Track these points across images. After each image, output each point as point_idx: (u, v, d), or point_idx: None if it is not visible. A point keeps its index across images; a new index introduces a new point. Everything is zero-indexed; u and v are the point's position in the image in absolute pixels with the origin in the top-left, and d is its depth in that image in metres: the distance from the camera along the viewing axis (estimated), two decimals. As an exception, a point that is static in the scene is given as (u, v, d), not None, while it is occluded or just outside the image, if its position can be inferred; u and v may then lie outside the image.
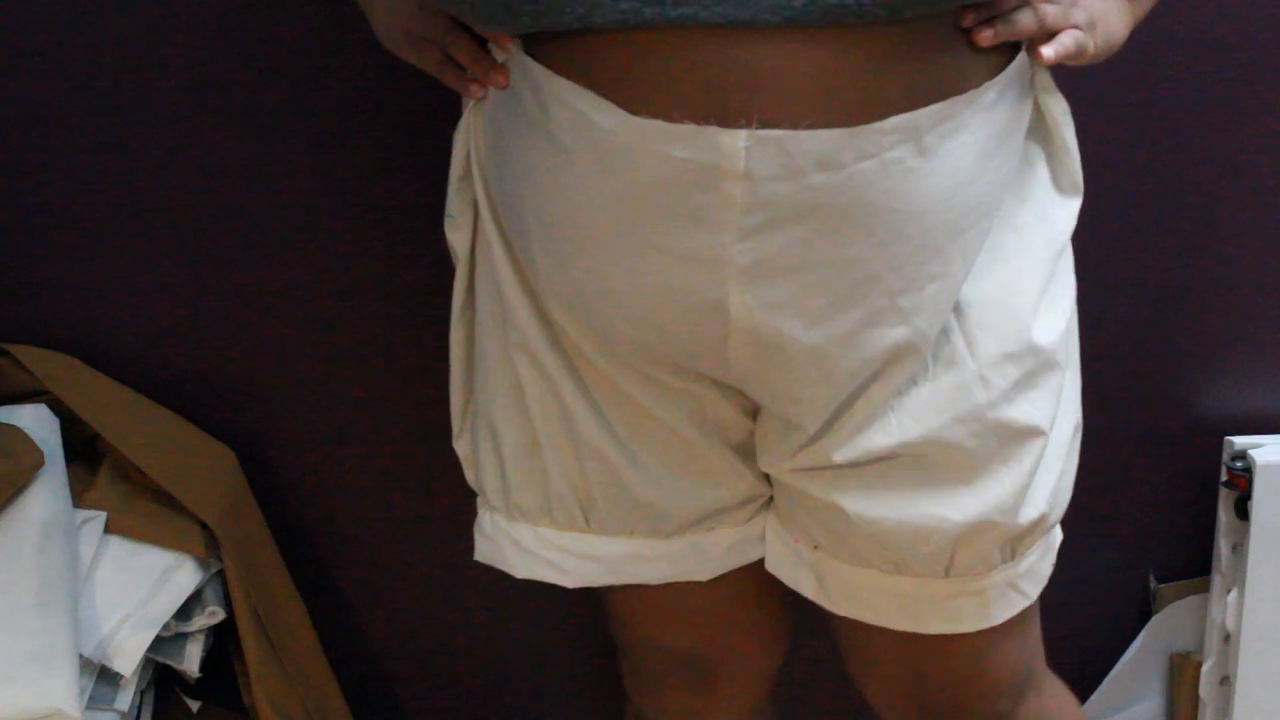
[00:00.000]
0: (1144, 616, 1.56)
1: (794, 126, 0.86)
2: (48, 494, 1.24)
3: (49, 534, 1.21)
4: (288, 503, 1.46)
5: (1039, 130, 1.01)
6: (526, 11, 0.88)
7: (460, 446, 1.13)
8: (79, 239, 1.36)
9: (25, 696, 1.11)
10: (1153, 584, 1.56)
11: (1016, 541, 1.02)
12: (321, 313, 1.40)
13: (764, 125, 0.86)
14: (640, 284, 0.93)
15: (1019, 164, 0.98)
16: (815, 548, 1.05)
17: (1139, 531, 1.53)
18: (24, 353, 1.34)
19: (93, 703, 1.20)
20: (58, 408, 1.32)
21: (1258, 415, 1.49)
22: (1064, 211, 1.02)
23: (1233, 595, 1.48)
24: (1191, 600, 1.55)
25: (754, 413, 1.04)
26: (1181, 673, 1.56)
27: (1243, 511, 1.46)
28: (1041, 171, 1.01)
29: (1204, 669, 1.53)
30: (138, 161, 1.34)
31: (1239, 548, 1.48)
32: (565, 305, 0.98)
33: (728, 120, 0.86)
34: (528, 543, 1.09)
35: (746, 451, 1.06)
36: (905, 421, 0.97)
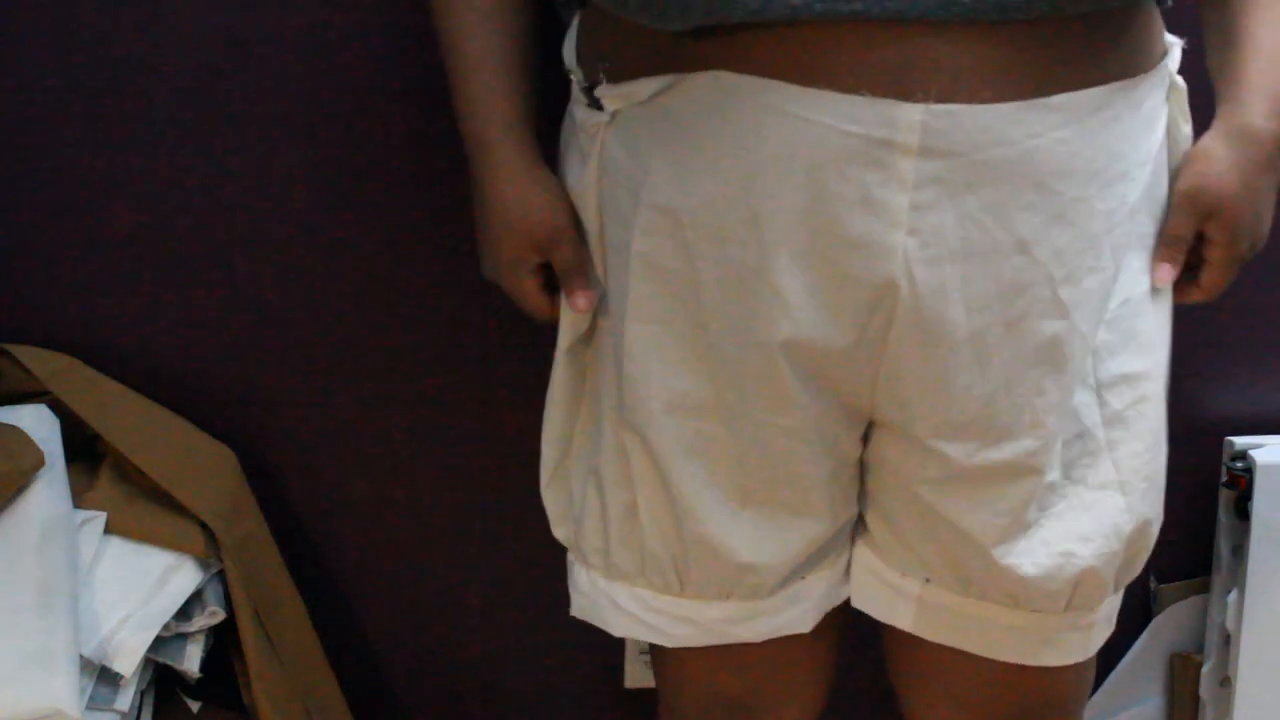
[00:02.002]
0: (1144, 617, 1.56)
1: (969, 102, 0.86)
2: (48, 494, 1.24)
3: (49, 534, 1.21)
4: (288, 503, 1.46)
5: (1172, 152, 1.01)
6: (700, 6, 0.88)
7: (550, 498, 1.12)
8: (79, 239, 1.36)
9: (25, 696, 1.11)
10: (1153, 584, 1.56)
11: (1123, 572, 1.04)
12: (321, 313, 1.40)
13: (940, 100, 0.86)
14: (809, 273, 0.92)
15: (1153, 176, 0.98)
16: (927, 581, 1.04)
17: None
18: (24, 353, 1.34)
19: (93, 703, 1.20)
20: (58, 408, 1.32)
21: (1258, 415, 1.49)
22: None
23: (1233, 596, 1.48)
24: (1191, 601, 1.55)
25: (864, 435, 1.03)
26: (1182, 674, 1.56)
27: (1243, 511, 1.46)
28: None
29: (1204, 670, 1.53)
30: (138, 162, 1.34)
31: (1239, 548, 1.48)
32: (724, 316, 0.96)
33: (904, 94, 0.86)
34: (625, 603, 1.08)
35: (846, 482, 1.04)
36: (1044, 429, 0.97)
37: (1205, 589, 1.53)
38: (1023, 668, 1.05)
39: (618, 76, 0.97)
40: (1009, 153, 0.88)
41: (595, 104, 1.00)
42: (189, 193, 1.35)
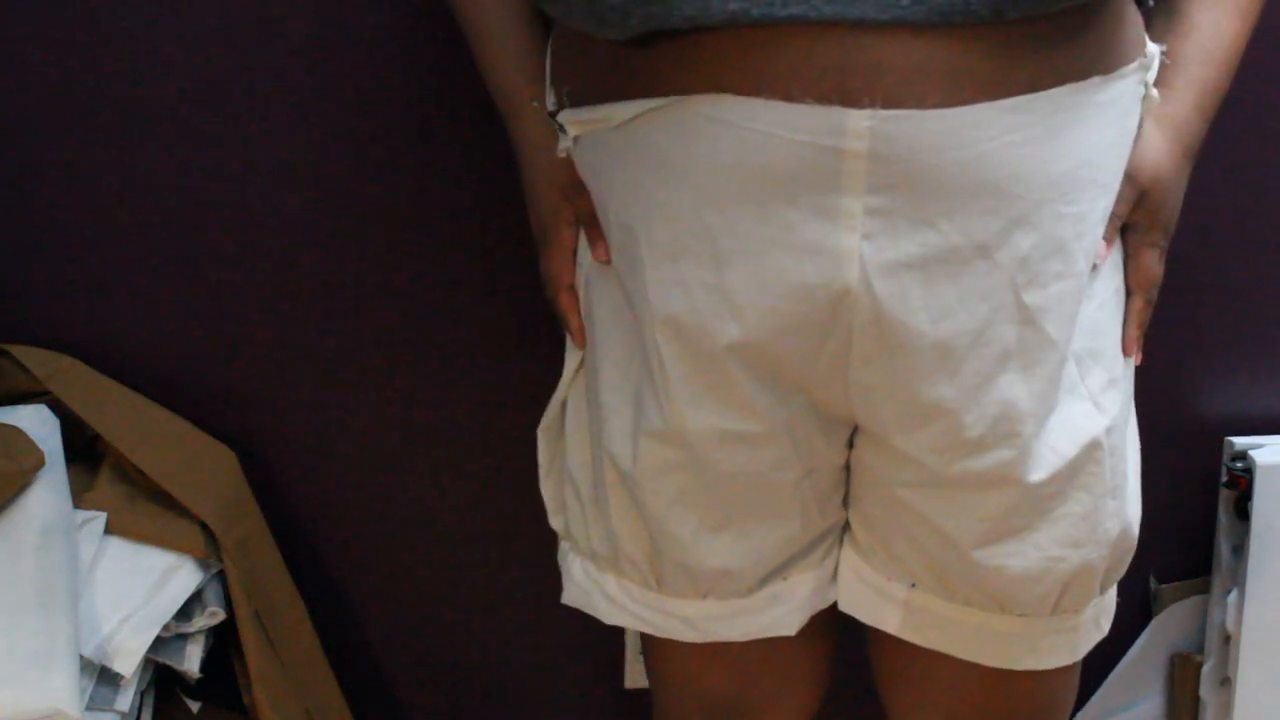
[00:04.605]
0: (1144, 617, 1.56)
1: (918, 106, 0.85)
2: (48, 494, 1.24)
3: (49, 534, 1.21)
4: (288, 503, 1.46)
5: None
6: (637, 13, 0.87)
7: (548, 490, 1.13)
8: (79, 239, 1.36)
9: (25, 696, 1.11)
10: (1153, 585, 1.56)
11: (1109, 574, 1.03)
12: (321, 313, 1.40)
13: (887, 105, 0.85)
14: (762, 286, 0.91)
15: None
16: (912, 586, 1.04)
17: (1139, 532, 1.53)
18: (24, 353, 1.34)
19: (93, 703, 1.20)
20: (58, 408, 1.32)
21: (1258, 415, 1.49)
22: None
23: (1233, 596, 1.48)
24: (1192, 601, 1.55)
25: (849, 441, 1.03)
26: (1182, 674, 1.56)
27: (1243, 512, 1.46)
28: None
29: (1204, 670, 1.53)
30: (138, 161, 1.34)
31: (1239, 548, 1.48)
32: (675, 326, 0.95)
33: (850, 100, 0.85)
34: (613, 593, 1.08)
35: (825, 486, 1.04)
36: (1042, 450, 0.96)
37: (1205, 589, 1.53)
38: (1010, 673, 1.05)
39: (579, 100, 0.97)
40: (962, 157, 0.87)
41: (561, 129, 1.00)
42: (189, 193, 1.35)
